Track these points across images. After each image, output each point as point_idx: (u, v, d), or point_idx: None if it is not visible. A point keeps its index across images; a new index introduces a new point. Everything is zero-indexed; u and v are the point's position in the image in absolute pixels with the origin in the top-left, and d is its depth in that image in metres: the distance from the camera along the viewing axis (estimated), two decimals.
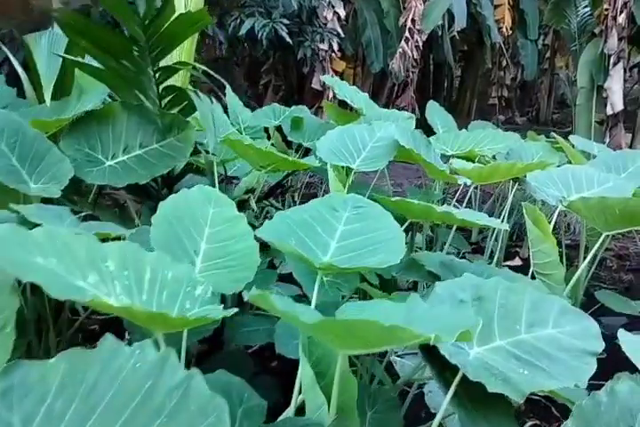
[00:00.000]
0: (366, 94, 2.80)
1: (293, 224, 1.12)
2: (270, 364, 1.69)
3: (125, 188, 1.69)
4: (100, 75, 1.68)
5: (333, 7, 5.03)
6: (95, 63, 1.68)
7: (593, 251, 1.75)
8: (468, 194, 2.57)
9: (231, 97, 2.44)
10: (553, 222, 1.83)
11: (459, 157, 2.30)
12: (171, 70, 1.67)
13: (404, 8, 5.81)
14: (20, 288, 1.37)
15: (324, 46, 4.96)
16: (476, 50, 7.67)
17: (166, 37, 1.56)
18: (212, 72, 1.75)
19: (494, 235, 2.52)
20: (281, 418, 0.92)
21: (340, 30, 5.07)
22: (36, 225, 1.07)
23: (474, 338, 0.89)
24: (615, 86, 4.67)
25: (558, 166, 2.11)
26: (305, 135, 2.62)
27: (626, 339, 1.03)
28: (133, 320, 0.75)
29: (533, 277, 1.64)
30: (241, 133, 2.32)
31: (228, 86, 2.07)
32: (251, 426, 0.83)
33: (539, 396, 1.72)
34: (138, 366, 0.58)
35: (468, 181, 1.99)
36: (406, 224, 1.58)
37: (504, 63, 7.92)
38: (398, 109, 2.87)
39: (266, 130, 2.61)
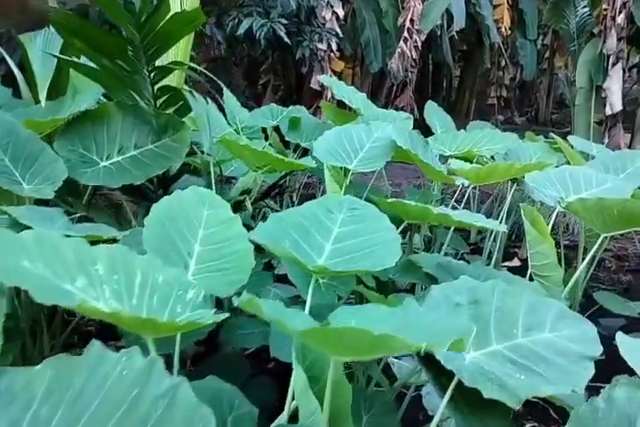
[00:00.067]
0: (364, 94, 2.79)
1: (288, 226, 1.11)
2: (267, 365, 1.68)
3: (120, 189, 1.67)
4: (95, 75, 1.67)
5: (332, 7, 5.02)
6: (90, 63, 1.66)
7: (592, 252, 1.74)
8: (467, 194, 2.56)
9: (229, 97, 2.43)
10: (551, 223, 1.82)
11: (457, 158, 2.29)
12: (166, 70, 1.66)
13: (403, 8, 5.80)
14: (14, 291, 1.36)
15: (323, 46, 4.95)
16: (475, 50, 7.66)
17: (161, 37, 1.54)
18: (207, 72, 1.74)
19: (493, 235, 2.50)
20: (273, 425, 0.91)
21: (338, 30, 5.06)
22: (28, 227, 1.06)
23: (467, 346, 0.88)
24: (614, 86, 4.66)
25: (557, 167, 2.10)
26: (303, 135, 2.61)
27: (623, 342, 1.02)
28: (122, 326, 0.74)
29: (532, 279, 1.63)
30: (238, 134, 2.31)
31: (224, 87, 2.06)
32: None
33: (537, 398, 1.71)
34: (124, 373, 0.57)
35: (466, 182, 1.97)
36: (404, 225, 1.57)
37: (503, 63, 7.91)
38: (397, 109, 2.87)
39: (264, 130, 2.60)
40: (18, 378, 0.63)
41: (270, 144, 2.55)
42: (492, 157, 2.47)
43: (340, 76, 5.65)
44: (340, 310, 0.86)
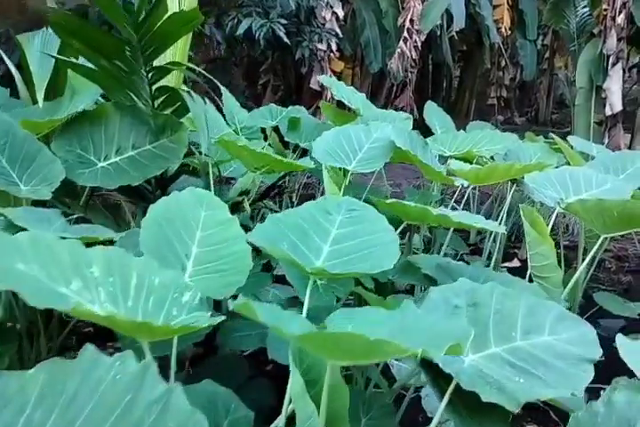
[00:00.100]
0: (363, 95, 2.78)
1: (286, 228, 1.10)
2: (266, 367, 1.67)
3: (118, 189, 1.67)
4: (93, 75, 1.66)
5: (332, 7, 5.01)
6: (88, 63, 1.66)
7: (592, 253, 1.73)
8: (466, 195, 2.56)
9: (228, 97, 2.42)
10: (551, 224, 1.81)
11: (456, 158, 2.29)
12: (163, 70, 1.65)
13: (403, 8, 5.79)
14: (10, 292, 1.35)
15: (323, 46, 4.94)
16: (475, 50, 7.66)
17: (159, 37, 1.54)
18: (205, 72, 1.73)
19: (492, 236, 2.50)
20: None
21: (338, 30, 5.05)
22: (23, 229, 1.06)
23: (465, 350, 0.87)
24: (614, 87, 4.65)
25: (556, 167, 2.09)
26: (302, 136, 2.61)
27: (623, 344, 1.01)
28: (116, 329, 0.73)
29: (531, 280, 1.63)
30: (237, 134, 2.30)
31: (222, 87, 2.05)
32: None
33: (537, 400, 1.70)
34: (118, 378, 0.56)
35: (465, 183, 1.97)
36: (403, 225, 1.57)
37: (503, 63, 7.91)
38: (397, 110, 2.87)
39: (263, 130, 2.59)
40: (11, 382, 0.62)
41: (269, 144, 2.55)
42: (492, 158, 2.46)
43: (339, 76, 5.64)
44: (337, 313, 0.85)
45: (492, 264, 2.21)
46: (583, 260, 1.86)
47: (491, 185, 2.82)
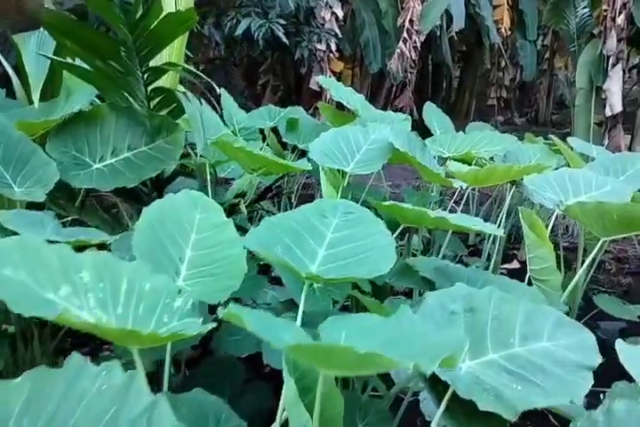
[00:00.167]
0: (362, 95, 2.77)
1: (280, 231, 1.09)
2: (263, 370, 1.66)
3: (114, 191, 1.65)
4: (88, 76, 1.64)
5: (331, 7, 5.00)
6: (84, 64, 1.64)
7: (592, 254, 1.72)
8: (466, 196, 2.54)
9: (226, 98, 2.41)
10: (551, 226, 1.79)
11: (455, 160, 2.27)
12: (159, 71, 1.64)
13: (402, 8, 5.78)
14: None
15: (322, 47, 4.92)
16: (475, 50, 7.64)
17: (154, 37, 1.52)
18: (200, 73, 1.72)
19: (492, 238, 2.48)
20: None
21: (337, 31, 5.03)
22: (14, 233, 1.04)
23: (460, 360, 0.85)
24: (614, 87, 4.63)
25: (556, 169, 2.08)
26: (300, 137, 2.59)
27: (622, 348, 1.00)
28: (104, 337, 0.71)
29: (531, 282, 1.61)
30: (236, 135, 2.28)
31: (220, 88, 2.04)
32: None
33: None
34: (103, 388, 0.54)
35: (464, 185, 1.95)
36: (402, 227, 1.55)
37: (503, 64, 7.89)
38: (396, 110, 2.85)
39: (261, 131, 2.58)
40: None
41: (268, 145, 2.53)
42: (491, 159, 2.44)
43: (339, 76, 5.63)
44: (331, 320, 0.83)
45: (492, 266, 2.19)
46: (583, 262, 1.84)
47: (490, 186, 2.80)
